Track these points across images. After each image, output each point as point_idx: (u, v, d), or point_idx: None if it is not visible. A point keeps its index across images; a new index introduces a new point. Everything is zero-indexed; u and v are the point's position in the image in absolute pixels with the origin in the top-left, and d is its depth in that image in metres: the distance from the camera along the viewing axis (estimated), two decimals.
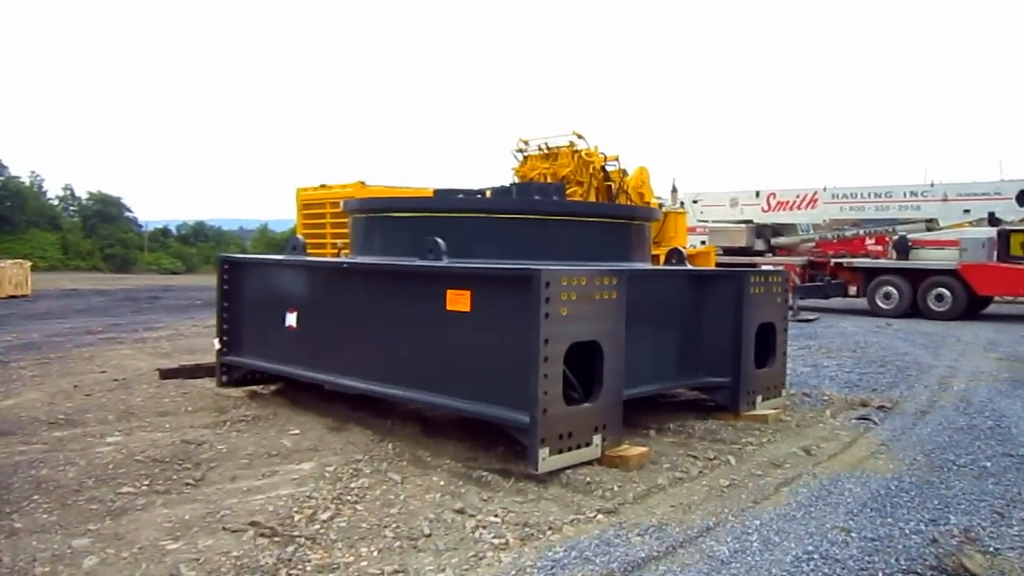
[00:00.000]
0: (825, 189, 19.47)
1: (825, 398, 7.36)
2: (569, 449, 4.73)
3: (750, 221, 20.62)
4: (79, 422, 5.94)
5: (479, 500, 4.33)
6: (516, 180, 14.44)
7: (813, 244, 20.64)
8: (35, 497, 4.25)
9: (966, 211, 17.71)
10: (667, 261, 6.74)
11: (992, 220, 17.25)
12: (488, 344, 4.95)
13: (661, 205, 16.29)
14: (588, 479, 4.60)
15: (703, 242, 19.64)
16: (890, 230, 18.70)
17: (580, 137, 14.29)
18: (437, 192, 7.00)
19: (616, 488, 4.49)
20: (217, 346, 7.01)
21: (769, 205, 20.26)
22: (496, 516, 4.08)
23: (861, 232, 19.44)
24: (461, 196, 6.62)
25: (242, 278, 7.05)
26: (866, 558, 3.59)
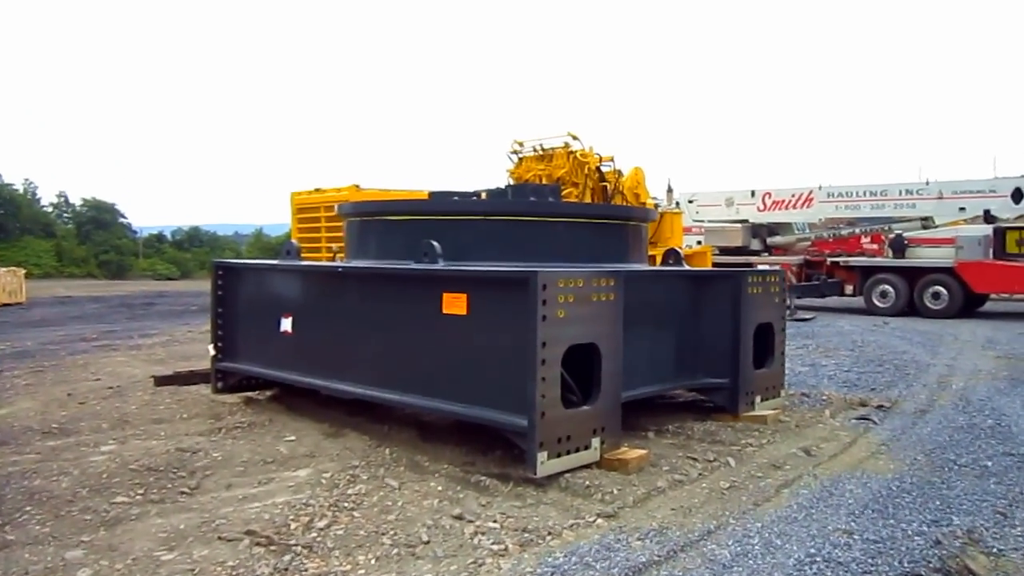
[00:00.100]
0: (820, 188, 19.47)
1: (824, 398, 7.33)
2: (568, 452, 4.69)
3: (746, 221, 20.61)
4: (73, 431, 5.89)
5: (477, 505, 4.29)
6: (511, 182, 14.39)
7: (809, 243, 20.62)
8: (28, 508, 4.19)
9: (962, 209, 17.71)
10: (664, 262, 6.71)
11: (988, 218, 17.25)
12: (485, 347, 4.90)
13: (657, 205, 16.26)
14: (587, 483, 4.56)
15: (699, 242, 19.63)
16: (886, 228, 18.70)
17: (575, 138, 14.25)
18: (432, 195, 6.96)
19: (615, 491, 4.45)
20: (212, 352, 6.95)
21: (765, 204, 20.26)
22: (495, 522, 4.03)
23: (857, 231, 19.44)
24: (456, 198, 6.58)
25: (236, 283, 7.00)
26: (869, 560, 3.55)
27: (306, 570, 3.47)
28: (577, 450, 4.75)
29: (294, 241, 7.51)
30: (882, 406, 6.98)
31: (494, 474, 4.79)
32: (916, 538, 3.81)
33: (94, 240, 56.44)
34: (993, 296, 18.35)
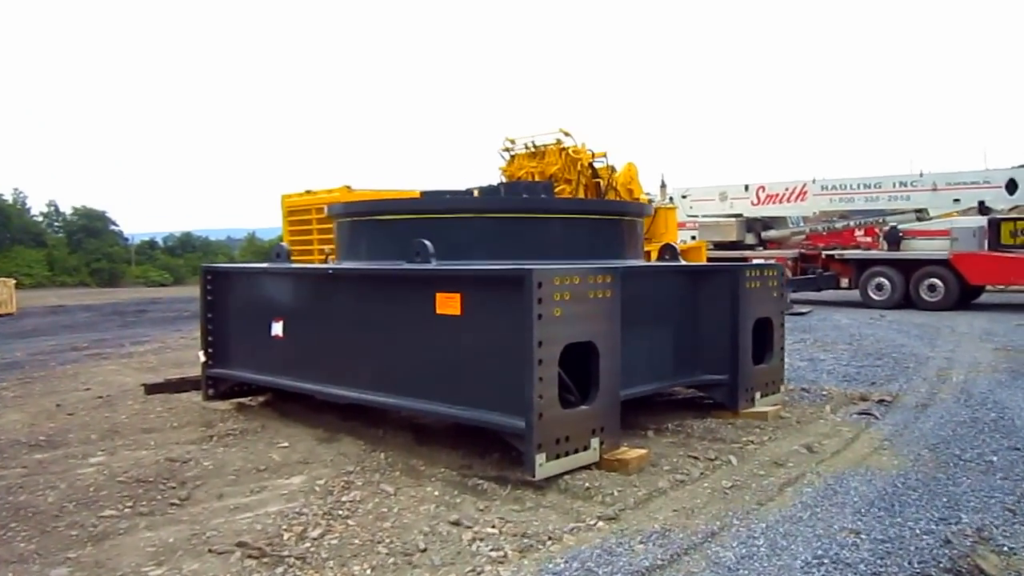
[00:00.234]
0: (814, 181, 19.41)
1: (824, 393, 7.25)
2: (566, 454, 4.59)
3: (740, 215, 20.57)
4: (61, 443, 5.76)
5: (475, 510, 4.19)
6: (504, 180, 14.30)
7: (803, 237, 20.60)
8: (13, 524, 4.07)
9: (956, 200, 17.68)
10: (660, 257, 6.62)
11: (982, 209, 17.23)
12: (480, 348, 4.80)
13: (651, 201, 16.19)
14: (587, 484, 4.46)
15: (693, 237, 19.56)
16: (880, 221, 18.67)
17: (567, 134, 14.17)
18: (424, 194, 6.86)
19: (616, 493, 4.35)
20: (202, 359, 6.84)
21: (758, 198, 20.20)
22: (493, 527, 3.93)
23: (851, 223, 19.40)
24: (448, 196, 6.48)
25: (226, 288, 6.88)
26: (878, 561, 3.45)
27: None
28: (576, 451, 4.65)
29: (284, 244, 7.39)
30: (883, 400, 6.90)
31: (492, 477, 4.68)
32: (925, 537, 3.72)
33: (86, 248, 56.23)
34: (989, 288, 18.33)
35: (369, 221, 6.38)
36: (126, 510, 4.28)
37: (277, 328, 6.31)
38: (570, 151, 14.18)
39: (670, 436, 5.68)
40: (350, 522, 4.04)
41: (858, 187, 18.99)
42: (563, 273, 4.56)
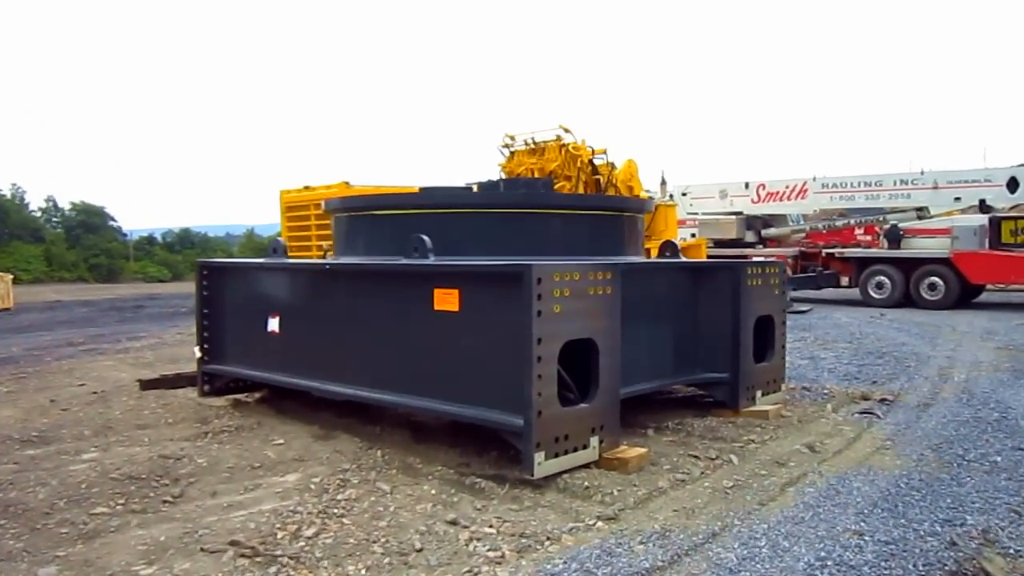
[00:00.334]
0: (815, 179, 19.35)
1: (825, 392, 7.19)
2: (565, 452, 4.53)
3: (740, 213, 20.50)
4: (53, 439, 5.69)
5: (472, 510, 4.12)
6: (503, 176, 14.23)
7: (803, 235, 20.53)
8: (2, 522, 3.99)
9: (957, 199, 17.63)
10: (661, 254, 6.55)
11: (983, 207, 17.16)
12: (479, 345, 4.73)
13: (651, 198, 16.12)
14: (586, 483, 4.40)
15: (693, 235, 19.49)
16: (881, 219, 18.61)
17: (567, 131, 14.11)
18: (422, 190, 6.79)
19: (616, 492, 4.29)
20: (198, 354, 6.77)
21: (759, 196, 20.14)
22: (491, 527, 3.86)
23: (851, 222, 19.34)
24: (447, 191, 6.41)
25: (222, 283, 6.81)
26: (883, 563, 3.39)
27: None
28: (575, 449, 4.58)
29: (280, 239, 7.32)
30: (885, 400, 6.84)
31: (490, 476, 4.62)
32: (929, 539, 3.66)
33: (84, 244, 56.16)
34: (989, 287, 18.27)
35: (367, 216, 6.32)
36: (118, 507, 4.21)
37: (273, 324, 6.24)
38: (570, 147, 14.11)
39: (670, 435, 5.61)
40: (345, 521, 3.98)
41: (859, 185, 18.94)
42: (563, 269, 4.49)
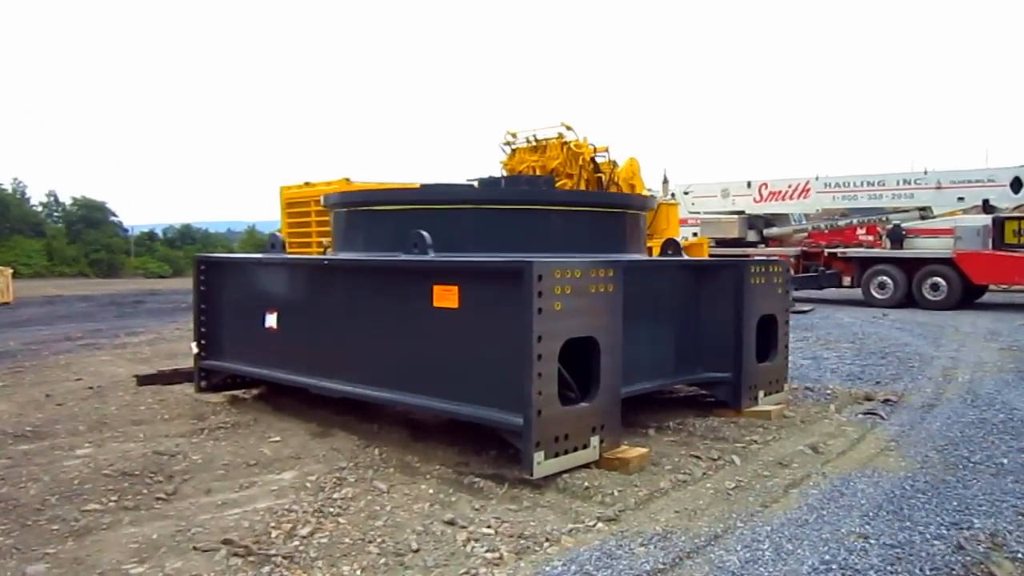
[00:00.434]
0: (817, 178, 19.27)
1: (828, 392, 7.12)
2: (565, 452, 4.46)
3: (742, 212, 20.42)
4: (48, 434, 5.62)
5: (471, 510, 4.05)
6: (504, 173, 14.15)
7: (806, 234, 20.45)
8: None
9: (960, 199, 17.55)
10: (663, 252, 6.47)
11: (987, 207, 17.08)
12: (478, 342, 4.67)
13: (652, 196, 16.04)
14: (586, 484, 4.33)
15: (695, 234, 19.41)
16: (883, 219, 18.53)
17: (569, 128, 14.02)
18: (423, 186, 6.71)
19: (616, 493, 4.22)
20: (194, 350, 6.70)
21: (761, 195, 20.05)
22: (489, 527, 3.80)
23: (854, 221, 19.26)
24: (447, 187, 6.34)
25: (220, 279, 6.74)
26: (888, 568, 3.32)
27: None
28: (575, 449, 4.51)
29: (278, 234, 7.26)
30: (888, 400, 6.77)
31: (488, 475, 4.55)
32: (936, 542, 3.59)
33: (85, 239, 56.06)
34: (992, 287, 18.19)
35: (366, 212, 6.24)
36: (110, 504, 4.14)
37: (271, 320, 6.17)
38: (572, 145, 14.03)
39: (671, 435, 5.55)
40: (341, 520, 3.91)
41: (861, 185, 18.85)
42: (564, 266, 4.42)
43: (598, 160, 14.07)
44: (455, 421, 5.20)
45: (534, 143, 14.51)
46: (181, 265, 57.12)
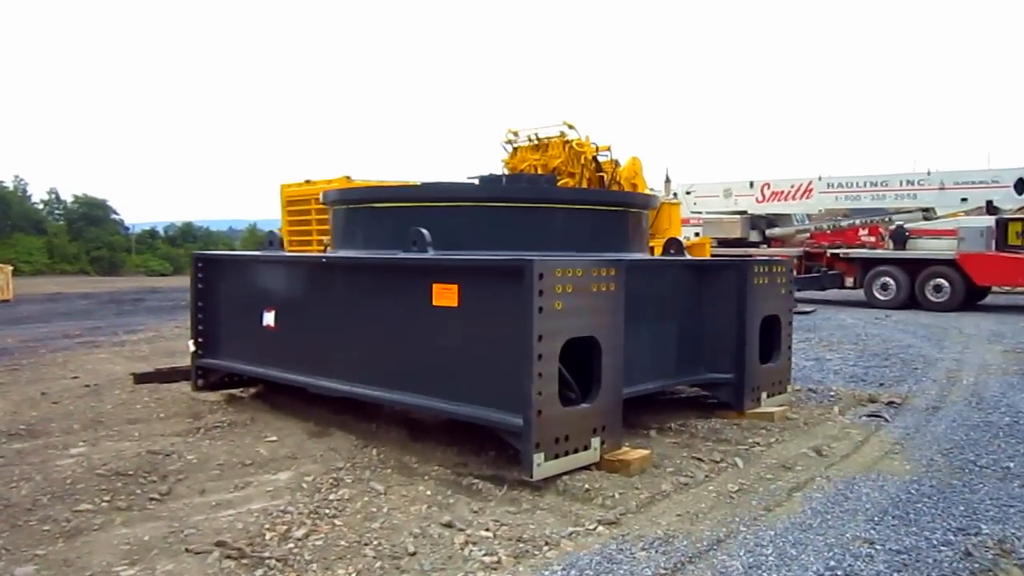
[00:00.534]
0: (820, 179, 19.20)
1: (832, 394, 7.04)
2: (566, 453, 4.39)
3: (744, 212, 20.35)
4: (42, 432, 5.56)
5: (469, 512, 3.98)
6: (506, 172, 14.09)
7: (808, 235, 20.37)
8: None
9: (964, 199, 17.47)
10: (666, 251, 6.40)
11: (990, 208, 17.00)
12: (478, 341, 4.60)
13: (655, 196, 15.98)
14: (587, 486, 4.26)
15: (697, 234, 19.36)
16: (886, 220, 18.45)
17: (571, 127, 13.98)
18: (423, 185, 6.65)
19: (617, 496, 4.15)
20: (192, 348, 6.63)
21: (763, 196, 19.98)
22: (487, 530, 3.73)
23: (856, 222, 19.18)
24: (447, 184, 6.27)
25: (217, 276, 6.67)
26: (895, 574, 3.25)
27: None
28: (576, 451, 4.44)
29: (276, 231, 7.19)
30: (892, 402, 6.69)
31: (487, 476, 4.49)
32: (943, 548, 3.51)
33: (86, 237, 56.12)
34: (995, 289, 18.11)
35: (365, 209, 6.17)
36: (103, 504, 4.08)
37: (269, 318, 6.10)
38: (574, 144, 13.98)
39: (673, 436, 5.47)
40: (337, 522, 3.85)
41: (864, 185, 18.78)
42: (565, 265, 4.35)
43: (600, 159, 14.02)
44: (454, 421, 5.13)
45: (536, 142, 14.46)
46: (182, 263, 57.12)
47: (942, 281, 16.57)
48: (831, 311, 16.33)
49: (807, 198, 19.43)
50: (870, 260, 17.86)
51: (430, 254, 5.05)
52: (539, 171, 13.33)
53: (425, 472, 4.62)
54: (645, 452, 4.73)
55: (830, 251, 18.92)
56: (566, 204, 5.94)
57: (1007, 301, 18.71)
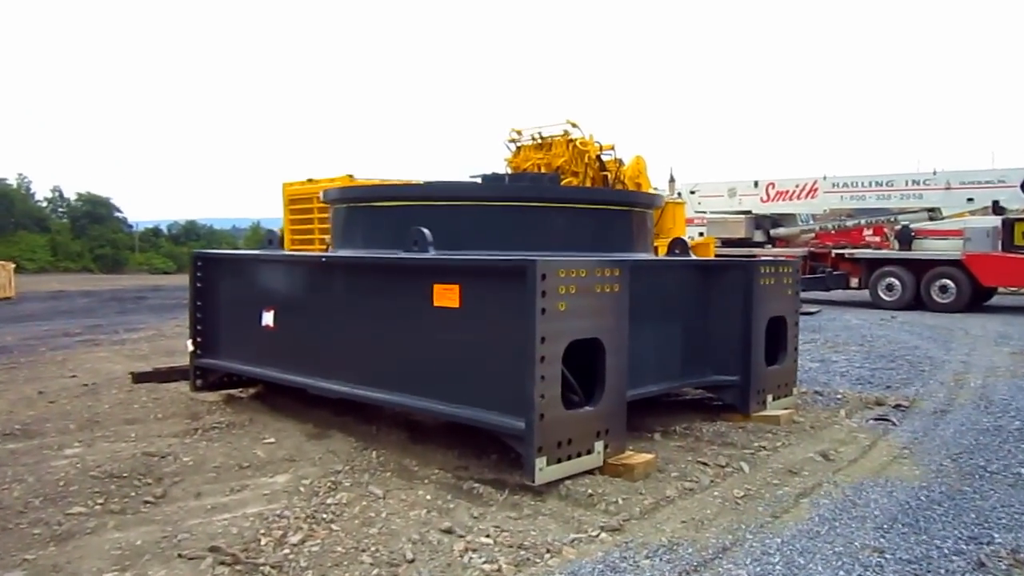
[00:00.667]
0: (825, 178, 19.07)
1: (838, 396, 6.94)
2: (568, 457, 4.30)
3: (749, 212, 20.23)
4: (37, 432, 5.49)
5: (469, 517, 3.90)
6: (509, 171, 14.00)
7: (813, 235, 20.25)
8: None
9: (970, 200, 17.33)
10: (670, 252, 6.31)
11: (996, 209, 16.86)
12: (479, 343, 4.51)
13: (659, 195, 15.89)
14: (589, 491, 4.17)
15: (701, 233, 19.25)
16: (891, 220, 18.33)
17: (575, 126, 13.88)
18: (426, 184, 6.56)
19: (620, 501, 4.06)
20: (190, 348, 6.56)
21: (768, 195, 19.86)
22: (488, 536, 3.65)
23: (861, 222, 19.06)
24: (448, 183, 6.18)
25: (217, 275, 6.60)
26: None
27: None
28: (579, 455, 4.36)
29: (275, 230, 7.11)
30: (900, 405, 6.59)
31: (488, 480, 4.40)
32: (955, 558, 3.42)
33: (89, 234, 56.14)
34: (1001, 290, 17.98)
35: (366, 207, 6.09)
36: (96, 507, 4.00)
37: (268, 318, 6.03)
38: (577, 143, 13.89)
39: (678, 440, 5.39)
40: (334, 527, 3.77)
41: (870, 185, 18.65)
42: (568, 265, 4.27)
43: (604, 158, 13.93)
44: (455, 423, 5.04)
45: (539, 141, 14.37)
46: (185, 261, 57.11)
47: (948, 282, 16.44)
48: (836, 312, 16.22)
49: (812, 198, 19.30)
50: (875, 260, 17.73)
51: (431, 254, 4.96)
52: (542, 170, 13.25)
53: (425, 476, 4.54)
54: (649, 456, 4.64)
55: (835, 251, 18.80)
56: (569, 204, 5.84)
57: (1013, 302, 18.58)
